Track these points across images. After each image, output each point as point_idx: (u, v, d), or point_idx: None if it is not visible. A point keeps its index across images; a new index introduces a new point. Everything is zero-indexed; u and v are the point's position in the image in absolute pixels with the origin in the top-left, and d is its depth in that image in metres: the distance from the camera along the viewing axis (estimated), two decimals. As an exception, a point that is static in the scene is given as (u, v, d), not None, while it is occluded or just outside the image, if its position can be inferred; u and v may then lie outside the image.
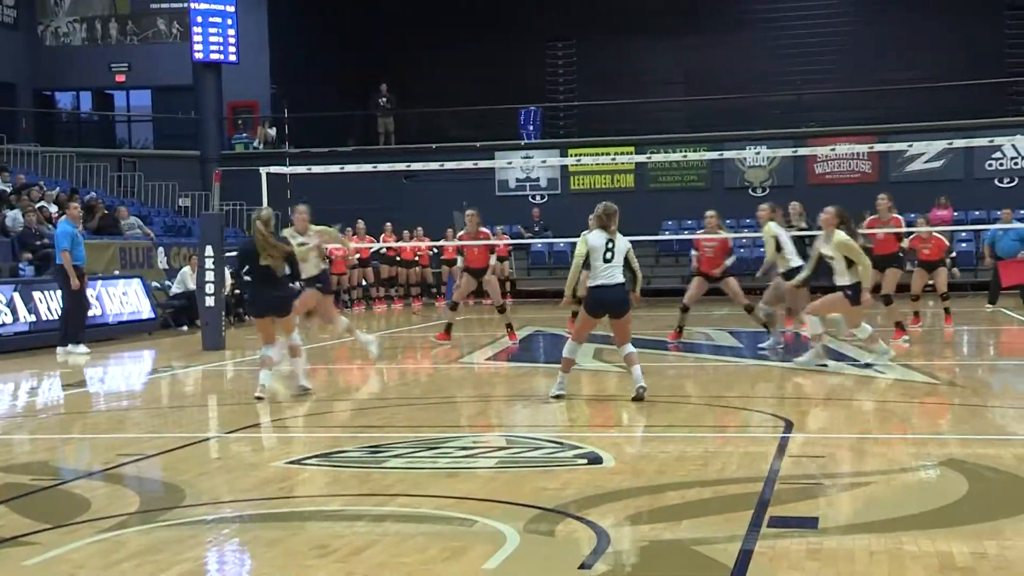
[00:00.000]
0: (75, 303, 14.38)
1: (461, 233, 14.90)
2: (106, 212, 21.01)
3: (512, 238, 23.29)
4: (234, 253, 9.79)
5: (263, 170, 15.62)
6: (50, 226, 19.07)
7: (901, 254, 13.59)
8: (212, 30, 26.61)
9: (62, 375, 12.57)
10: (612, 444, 7.10)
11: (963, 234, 23.41)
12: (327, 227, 12.86)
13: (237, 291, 19.19)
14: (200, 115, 27.33)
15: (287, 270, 9.29)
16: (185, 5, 27.23)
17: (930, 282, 15.44)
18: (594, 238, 8.72)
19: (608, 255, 8.65)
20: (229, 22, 26.80)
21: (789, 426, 7.45)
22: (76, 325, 14.41)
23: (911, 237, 16.28)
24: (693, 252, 13.56)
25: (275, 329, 9.44)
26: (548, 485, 5.83)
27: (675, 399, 9.17)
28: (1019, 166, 24.47)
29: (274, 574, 4.48)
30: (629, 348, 8.77)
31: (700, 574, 4.40)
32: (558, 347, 13.24)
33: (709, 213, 13.44)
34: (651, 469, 6.26)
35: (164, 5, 28.69)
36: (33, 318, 14.98)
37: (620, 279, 8.73)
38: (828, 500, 5.44)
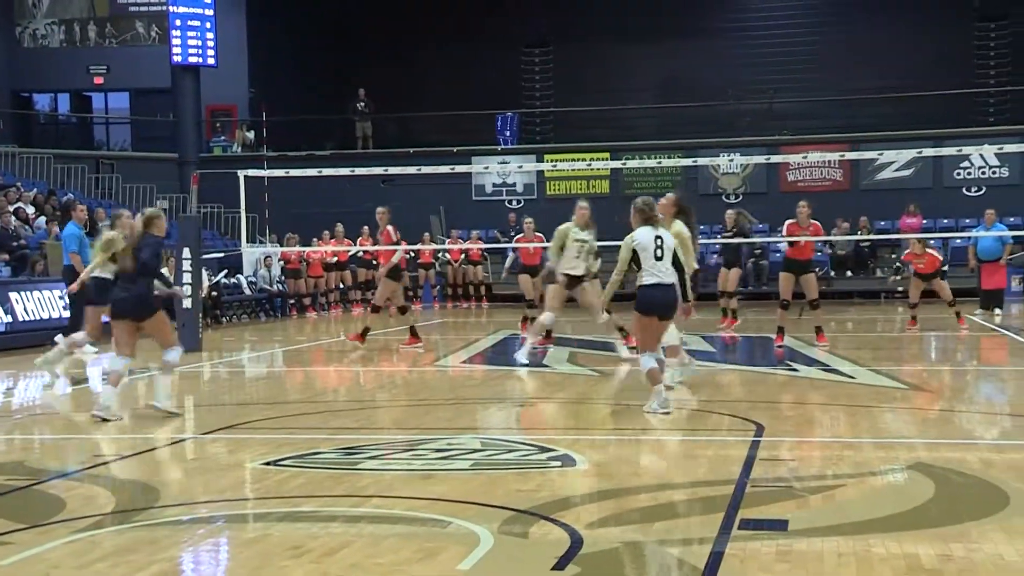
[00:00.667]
0: (80, 304, 14.37)
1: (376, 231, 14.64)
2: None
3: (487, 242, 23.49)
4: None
5: (241, 173, 15.75)
6: (27, 227, 19.14)
7: (816, 259, 13.89)
8: (191, 33, 26.65)
9: (38, 376, 12.51)
10: (586, 447, 7.12)
11: (932, 241, 23.77)
12: None
13: (214, 293, 19.34)
14: (178, 118, 27.37)
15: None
16: (164, 8, 27.26)
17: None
18: (642, 235, 8.10)
19: (659, 252, 8.09)
20: (208, 25, 26.85)
21: (760, 430, 7.51)
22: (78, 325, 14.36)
23: (905, 252, 16.69)
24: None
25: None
26: (522, 487, 5.87)
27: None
28: (986, 175, 24.85)
29: (248, 574, 4.48)
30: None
31: (672, 575, 4.44)
32: (532, 351, 13.38)
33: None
34: (624, 472, 6.31)
35: (143, 8, 28.71)
36: (9, 319, 14.98)
37: (674, 279, 8.18)
38: (798, 503, 5.47)
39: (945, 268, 16.64)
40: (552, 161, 24.35)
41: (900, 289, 22.37)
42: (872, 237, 22.72)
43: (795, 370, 11.26)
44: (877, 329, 16.69)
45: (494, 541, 4.82)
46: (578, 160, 24.38)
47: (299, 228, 22.73)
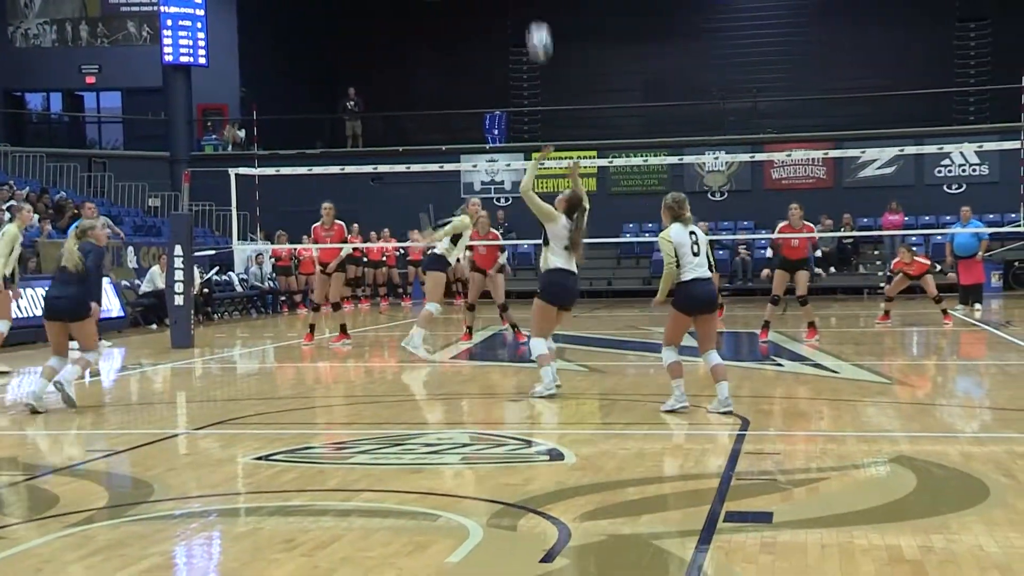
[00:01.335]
0: None
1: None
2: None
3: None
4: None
5: (232, 171, 15.87)
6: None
7: (811, 257, 14.37)
8: (182, 33, 26.83)
9: (32, 371, 12.48)
10: (573, 441, 7.16)
11: (913, 238, 24.14)
12: None
13: (206, 290, 19.56)
14: (170, 117, 27.53)
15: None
16: (155, 8, 27.43)
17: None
18: (677, 233, 7.93)
19: (695, 248, 7.91)
20: (199, 25, 27.02)
21: (745, 424, 7.57)
22: None
23: (894, 261, 16.97)
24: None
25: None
26: (511, 481, 5.89)
27: (635, 397, 9.32)
28: (966, 173, 25.20)
29: (241, 568, 4.48)
30: (716, 357, 8.04)
31: (658, 567, 4.45)
32: (521, 346, 13.50)
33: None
34: (611, 466, 6.34)
35: (134, 8, 28.86)
36: None
37: (710, 273, 8.09)
38: (782, 496, 5.52)
39: (938, 268, 16.84)
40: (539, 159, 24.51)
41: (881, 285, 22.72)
42: (855, 234, 23.06)
43: (780, 365, 11.39)
44: (860, 325, 16.82)
45: (483, 534, 4.86)
46: (565, 158, 24.59)
47: (289, 226, 22.94)
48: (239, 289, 21.72)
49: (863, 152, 22.57)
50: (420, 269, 14.48)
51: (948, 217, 23.86)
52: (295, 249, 21.76)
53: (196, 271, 16.64)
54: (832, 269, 24.43)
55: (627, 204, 25.81)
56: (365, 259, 23.31)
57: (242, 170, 17.18)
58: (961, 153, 24.34)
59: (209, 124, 28.78)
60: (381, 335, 17.45)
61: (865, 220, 24.56)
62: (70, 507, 5.49)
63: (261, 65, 28.38)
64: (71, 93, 30.21)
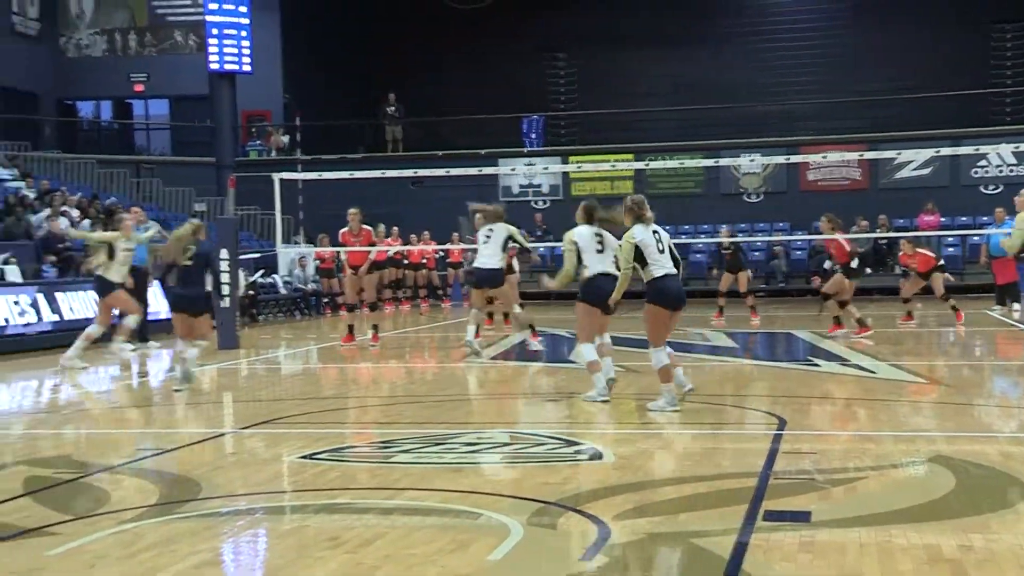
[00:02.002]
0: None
1: (344, 231, 14.79)
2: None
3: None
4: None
5: (276, 176, 16.12)
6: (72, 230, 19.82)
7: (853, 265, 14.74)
8: (227, 41, 27.35)
9: (84, 372, 12.79)
10: (612, 441, 7.20)
11: (950, 239, 24.14)
12: None
13: (251, 292, 20.03)
14: (215, 123, 28.02)
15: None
16: (201, 18, 28.01)
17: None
18: (640, 233, 8.05)
19: (660, 246, 8.07)
20: (244, 34, 27.54)
21: (783, 423, 7.57)
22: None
23: (900, 255, 17.19)
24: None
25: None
26: (550, 480, 5.92)
27: None
28: (1003, 173, 25.07)
29: (286, 565, 4.55)
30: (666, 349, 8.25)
31: (697, 565, 4.47)
32: (558, 347, 13.76)
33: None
34: (650, 465, 6.40)
35: (181, 18, 29.45)
36: (56, 318, 15.42)
37: (676, 270, 8.18)
38: (820, 495, 5.52)
39: (942, 263, 16.76)
40: (577, 163, 24.90)
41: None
42: (890, 235, 23.10)
43: (816, 365, 11.45)
44: (896, 325, 16.70)
45: (524, 532, 4.89)
46: (602, 162, 24.93)
47: (332, 229, 23.29)
48: (283, 291, 22.13)
49: (899, 154, 22.58)
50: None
51: (985, 218, 23.80)
52: (338, 252, 22.17)
53: (241, 274, 17.02)
54: (868, 270, 24.45)
55: (663, 206, 25.54)
56: (406, 261, 23.68)
57: (286, 175, 17.53)
58: (998, 154, 24.23)
59: (253, 130, 29.26)
60: (422, 336, 17.69)
61: (901, 221, 24.55)
62: (121, 504, 5.60)
63: (304, 72, 28.82)
64: (120, 101, 30.83)
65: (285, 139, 28.75)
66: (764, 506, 5.24)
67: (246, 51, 27.55)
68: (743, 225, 25.77)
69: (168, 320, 17.46)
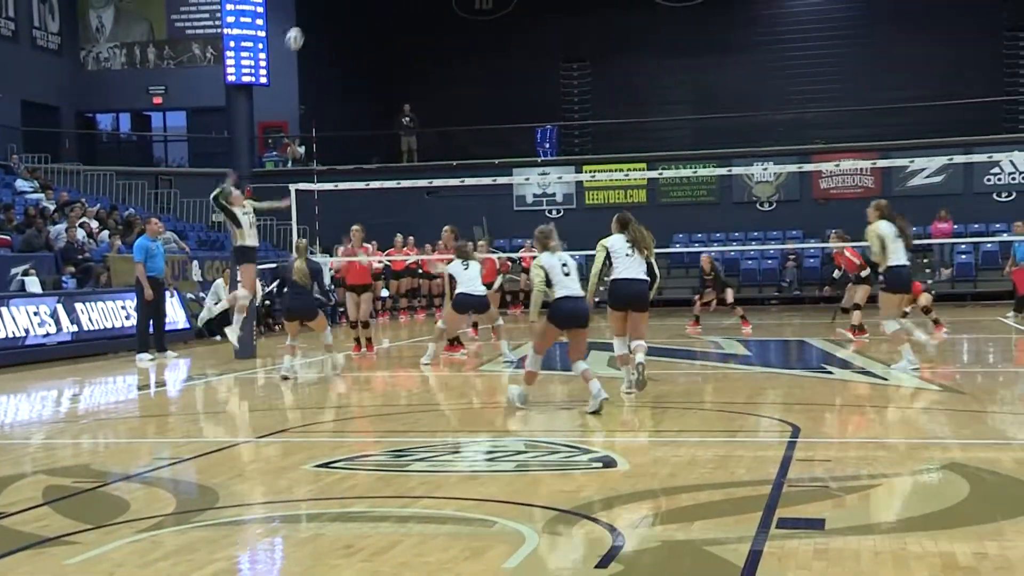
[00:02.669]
0: (145, 313, 15.00)
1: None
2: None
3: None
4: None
5: (292, 187, 16.21)
6: (91, 241, 20.09)
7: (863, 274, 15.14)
8: (244, 54, 27.56)
9: (102, 382, 13.03)
10: (626, 448, 7.23)
11: (963, 246, 24.15)
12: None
13: (268, 303, 20.19)
14: (232, 134, 28.26)
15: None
16: (218, 31, 28.31)
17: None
18: (547, 260, 8.89)
19: (565, 269, 8.87)
20: (260, 46, 27.74)
21: (796, 431, 7.58)
22: (144, 333, 15.00)
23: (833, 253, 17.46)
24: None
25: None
26: (565, 488, 5.95)
27: (687, 405, 9.45)
28: (1016, 181, 25.14)
29: (303, 572, 4.61)
30: (583, 365, 8.95)
31: (711, 573, 4.48)
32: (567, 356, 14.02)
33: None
34: (664, 472, 6.38)
35: (199, 31, 29.75)
36: (75, 328, 15.58)
37: (581, 292, 8.96)
38: (834, 502, 5.50)
39: (865, 273, 15.73)
40: (590, 172, 25.05)
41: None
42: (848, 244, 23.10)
43: (829, 372, 11.47)
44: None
45: (538, 540, 4.92)
46: (615, 171, 25.05)
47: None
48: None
49: (911, 161, 22.59)
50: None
51: (998, 225, 23.84)
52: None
53: (258, 284, 17.19)
54: (881, 278, 24.47)
55: (677, 214, 26.10)
56: (420, 271, 23.83)
57: (302, 186, 17.66)
58: (1011, 161, 24.29)
59: (270, 141, 29.50)
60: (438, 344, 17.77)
61: (914, 229, 24.50)
62: (140, 513, 5.64)
63: (319, 83, 29.06)
64: (139, 114, 31.15)
65: (301, 150, 28.96)
66: (778, 514, 5.26)
67: (262, 63, 27.76)
68: (756, 233, 25.86)
69: (184, 330, 17.93)
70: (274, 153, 29.23)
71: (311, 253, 12.94)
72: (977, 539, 4.77)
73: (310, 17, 29.35)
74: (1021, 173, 25.05)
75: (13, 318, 14.64)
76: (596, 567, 4.50)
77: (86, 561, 4.77)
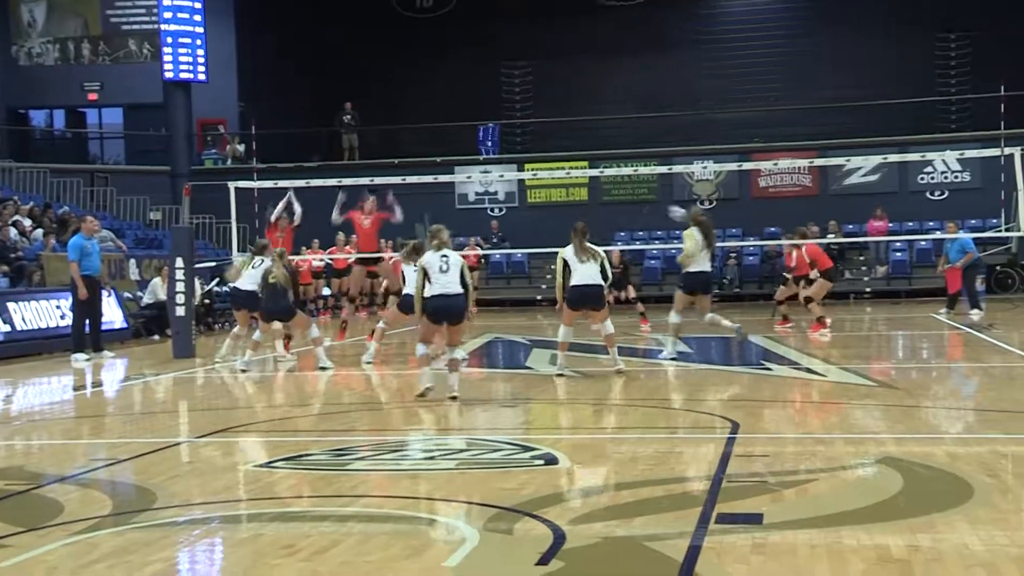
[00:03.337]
0: (81, 312, 14.72)
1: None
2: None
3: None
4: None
5: (231, 184, 16.21)
6: (24, 240, 19.70)
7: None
8: (182, 50, 27.30)
9: (37, 383, 12.82)
10: (568, 446, 7.28)
11: (897, 244, 24.61)
12: None
13: (207, 301, 19.97)
14: (170, 132, 27.98)
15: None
16: (156, 27, 27.94)
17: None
18: (428, 257, 9.59)
19: (443, 267, 9.46)
20: (198, 42, 27.49)
21: (736, 427, 7.69)
22: (80, 333, 14.73)
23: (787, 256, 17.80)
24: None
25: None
26: (506, 485, 5.97)
27: (628, 402, 9.52)
28: (948, 180, 25.68)
29: (242, 573, 4.58)
30: (458, 353, 9.82)
31: (651, 569, 4.52)
32: (515, 353, 14.10)
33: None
34: (605, 469, 6.47)
35: (135, 27, 29.28)
36: (8, 328, 15.31)
37: (457, 289, 9.47)
38: (772, 497, 5.59)
39: (814, 274, 15.87)
40: (532, 170, 25.11)
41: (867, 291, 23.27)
42: (840, 240, 23.55)
43: (769, 369, 11.64)
44: (846, 329, 16.96)
45: (479, 538, 4.94)
46: (557, 169, 25.16)
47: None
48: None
49: (848, 160, 23.04)
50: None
51: (931, 223, 24.34)
52: (293, 261, 22.11)
53: (197, 282, 16.98)
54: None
55: (618, 213, 26.25)
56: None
57: (241, 183, 17.54)
58: (943, 161, 24.80)
59: (209, 139, 29.23)
60: (382, 343, 17.71)
61: (851, 227, 25.02)
62: (75, 515, 5.56)
63: (259, 80, 28.81)
64: (74, 110, 30.60)
65: (241, 147, 28.72)
66: (717, 509, 5.33)
67: (201, 59, 27.51)
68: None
69: (121, 330, 17.66)
70: (213, 151, 28.98)
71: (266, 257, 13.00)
72: (910, 532, 4.86)
73: (249, 13, 29.09)
74: (953, 172, 25.61)
75: (-56, 318, 14.33)
76: (537, 564, 4.51)
77: (19, 564, 4.70)
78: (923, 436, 7.47)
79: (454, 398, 9.30)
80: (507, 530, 5.09)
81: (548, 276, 23.48)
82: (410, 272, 13.02)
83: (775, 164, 23.44)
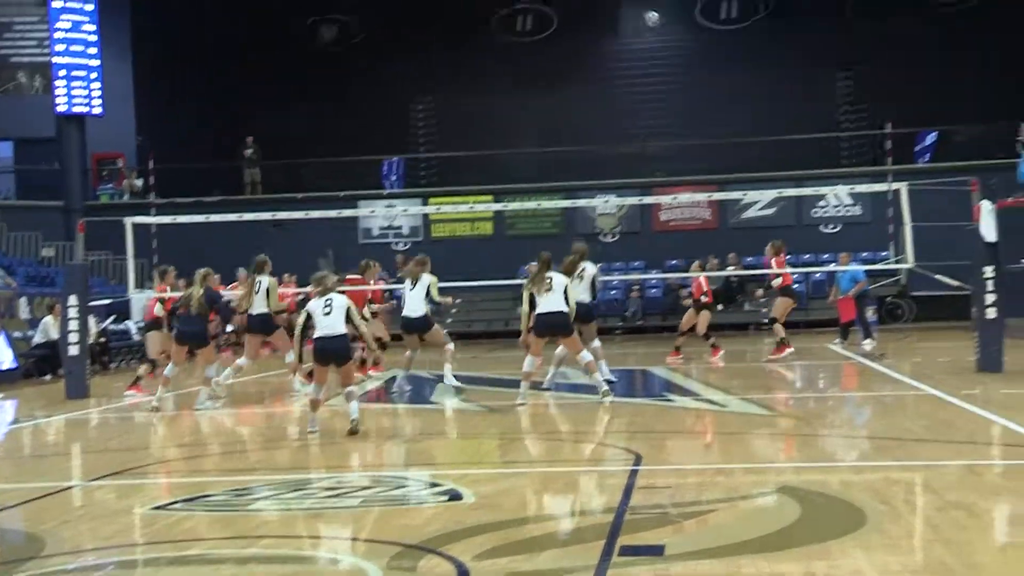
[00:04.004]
0: None
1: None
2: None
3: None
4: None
5: (128, 220, 15.87)
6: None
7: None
8: (76, 83, 26.72)
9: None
10: (473, 481, 7.26)
11: (794, 275, 25.16)
12: None
13: (102, 339, 19.44)
14: (64, 166, 27.31)
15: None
16: (48, 59, 27.28)
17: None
18: (313, 303, 9.92)
19: (326, 310, 9.70)
20: (94, 75, 26.96)
21: (639, 459, 7.79)
22: None
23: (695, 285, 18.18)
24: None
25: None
26: (411, 522, 5.97)
27: (534, 435, 9.65)
28: (841, 213, 26.52)
29: None
30: (351, 392, 9.87)
31: None
32: (421, 389, 13.90)
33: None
34: (510, 503, 6.51)
35: (25, 59, 28.54)
36: None
37: (339, 331, 9.69)
38: (674, 528, 5.68)
39: (704, 299, 16.77)
40: (437, 204, 25.13)
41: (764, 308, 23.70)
42: (740, 272, 24.04)
43: (671, 400, 11.81)
44: (746, 359, 17.31)
45: None
46: (462, 203, 25.22)
47: (189, 274, 22.87)
48: (136, 337, 21.58)
49: (744, 194, 23.61)
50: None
51: (825, 255, 25.02)
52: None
53: (92, 320, 16.54)
54: (719, 307, 25.32)
55: (523, 247, 26.25)
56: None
57: (138, 219, 17.21)
58: (835, 195, 25.56)
59: (105, 173, 28.59)
60: (283, 378, 17.49)
61: (749, 259, 25.57)
62: None
63: (158, 113, 28.36)
64: (-40, 143, 29.73)
65: (139, 182, 28.17)
66: (620, 541, 5.37)
67: (96, 92, 26.94)
68: (600, 264, 26.32)
69: (10, 370, 17.10)
70: (110, 186, 28.37)
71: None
72: (807, 559, 4.96)
73: (147, 46, 28.61)
74: (845, 206, 26.41)
75: None
76: (442, 602, 4.52)
77: None
78: (820, 464, 7.62)
79: (354, 432, 9.33)
80: (411, 568, 5.03)
81: (454, 311, 23.44)
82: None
83: (675, 198, 23.87)
